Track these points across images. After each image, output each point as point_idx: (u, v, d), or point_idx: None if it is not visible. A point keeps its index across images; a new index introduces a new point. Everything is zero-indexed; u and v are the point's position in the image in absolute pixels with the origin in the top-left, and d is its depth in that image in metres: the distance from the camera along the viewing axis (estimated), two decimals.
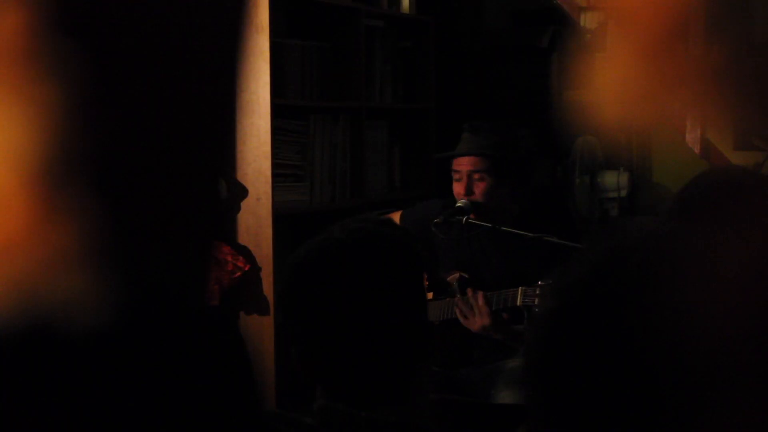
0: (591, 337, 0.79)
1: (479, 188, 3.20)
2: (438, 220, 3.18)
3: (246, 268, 3.49)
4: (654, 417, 0.76)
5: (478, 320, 3.01)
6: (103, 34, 0.57)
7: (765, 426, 0.75)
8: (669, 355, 0.76)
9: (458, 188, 3.23)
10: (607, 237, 0.86)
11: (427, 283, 3.20)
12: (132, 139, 0.59)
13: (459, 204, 3.20)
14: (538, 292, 2.95)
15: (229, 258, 3.46)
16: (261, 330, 3.57)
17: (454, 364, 3.23)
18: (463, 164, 3.22)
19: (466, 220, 3.15)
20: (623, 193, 4.44)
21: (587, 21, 3.77)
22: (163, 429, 0.59)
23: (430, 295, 3.23)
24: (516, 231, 3.05)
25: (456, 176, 3.25)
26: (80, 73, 0.55)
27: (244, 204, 3.57)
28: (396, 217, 3.39)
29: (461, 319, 3.06)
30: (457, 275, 3.23)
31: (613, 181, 4.44)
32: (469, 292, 3.06)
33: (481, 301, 3.00)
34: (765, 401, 0.74)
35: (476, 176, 3.20)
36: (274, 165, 3.61)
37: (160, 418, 0.59)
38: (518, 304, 3.00)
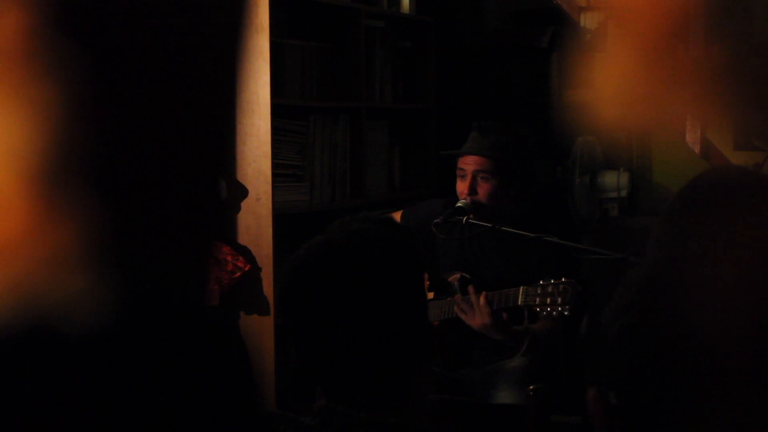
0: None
1: (483, 189, 3.19)
2: (438, 220, 3.17)
3: (246, 268, 3.48)
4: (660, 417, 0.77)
5: (478, 319, 3.02)
6: (103, 34, 0.57)
7: (764, 426, 0.75)
8: (679, 355, 0.76)
9: (461, 187, 3.22)
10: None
11: (428, 283, 3.21)
12: (132, 139, 0.59)
13: (459, 204, 3.19)
14: (539, 291, 2.96)
15: (229, 258, 3.46)
16: (261, 330, 3.57)
17: (454, 365, 3.23)
18: (469, 163, 3.21)
19: (466, 220, 3.15)
20: (623, 193, 4.44)
21: (587, 21, 3.76)
22: (162, 429, 0.59)
23: (430, 295, 3.23)
24: (516, 231, 3.05)
25: (460, 173, 3.24)
26: (80, 73, 0.55)
27: (244, 204, 3.57)
28: (396, 216, 3.38)
29: (461, 315, 3.07)
30: (458, 275, 3.23)
31: (613, 181, 4.44)
32: (471, 289, 3.06)
33: (482, 300, 3.00)
34: (764, 401, 0.74)
35: (481, 176, 3.20)
36: (274, 165, 3.61)
37: (160, 419, 0.59)
38: (519, 303, 3.00)
